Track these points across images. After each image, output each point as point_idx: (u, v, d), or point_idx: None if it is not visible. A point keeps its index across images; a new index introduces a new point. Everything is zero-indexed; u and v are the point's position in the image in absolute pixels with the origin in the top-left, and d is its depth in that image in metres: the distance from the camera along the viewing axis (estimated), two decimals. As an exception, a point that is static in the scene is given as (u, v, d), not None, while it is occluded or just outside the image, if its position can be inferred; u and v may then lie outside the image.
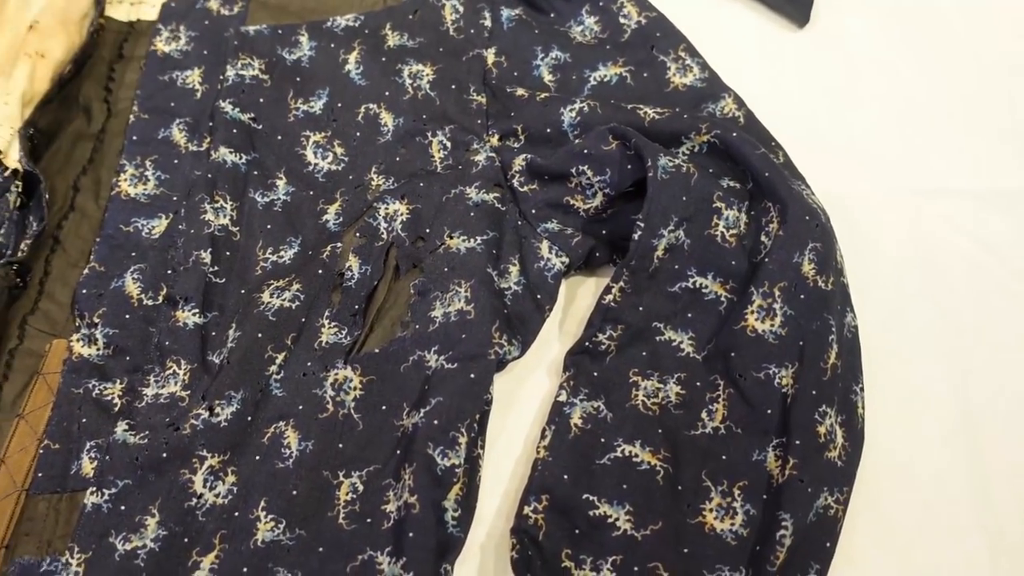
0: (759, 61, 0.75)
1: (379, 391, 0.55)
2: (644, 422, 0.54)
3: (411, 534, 0.49)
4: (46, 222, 0.59)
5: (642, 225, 0.57)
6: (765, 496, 0.52)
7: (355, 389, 0.55)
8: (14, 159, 0.58)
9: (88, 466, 0.52)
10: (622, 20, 0.69)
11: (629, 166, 0.59)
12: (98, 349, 0.56)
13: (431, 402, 0.53)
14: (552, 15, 0.71)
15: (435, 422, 0.52)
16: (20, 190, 0.59)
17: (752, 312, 0.55)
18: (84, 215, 0.62)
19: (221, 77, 0.67)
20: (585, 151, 0.60)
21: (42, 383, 0.56)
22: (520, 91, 0.65)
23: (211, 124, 0.65)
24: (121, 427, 0.54)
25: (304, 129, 0.66)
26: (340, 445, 0.54)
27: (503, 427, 0.57)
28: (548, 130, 0.63)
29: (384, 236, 0.61)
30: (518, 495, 0.54)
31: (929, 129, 0.72)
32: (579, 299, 0.62)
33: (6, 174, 0.58)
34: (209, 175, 0.62)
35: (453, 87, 0.66)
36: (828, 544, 0.51)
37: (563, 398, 0.55)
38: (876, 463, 0.56)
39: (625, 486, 0.52)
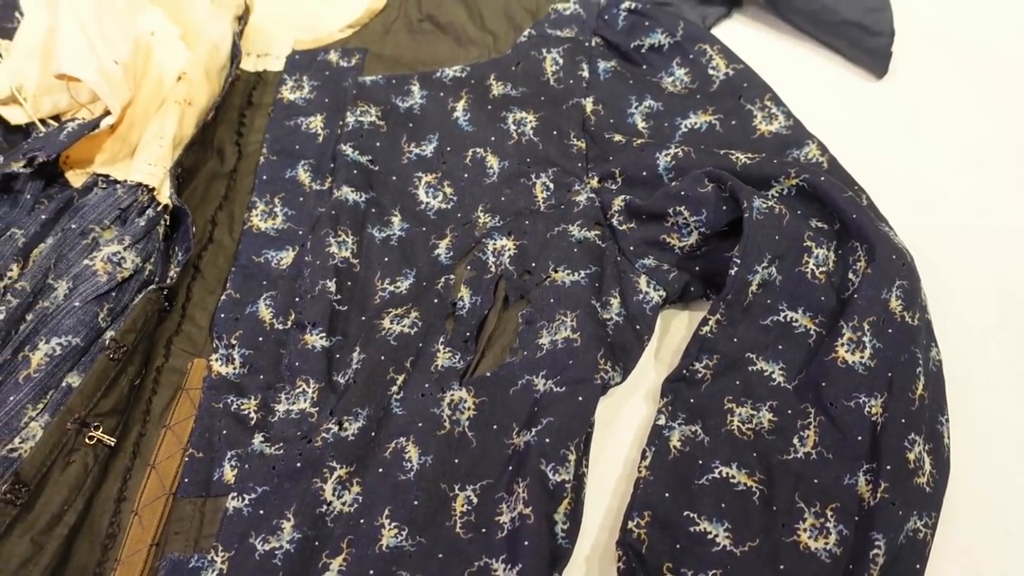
0: (840, 110, 0.79)
1: (490, 411, 0.60)
2: (739, 446, 0.58)
3: (526, 543, 0.53)
4: (192, 252, 0.65)
5: (738, 261, 0.61)
6: (857, 518, 0.55)
7: (469, 409, 0.60)
8: (165, 195, 0.65)
9: (229, 473, 0.58)
10: (711, 71, 0.74)
11: (724, 207, 0.64)
12: (235, 368, 0.62)
13: (542, 422, 0.57)
14: (644, 67, 0.76)
15: (547, 440, 0.56)
16: (167, 223, 0.65)
17: (842, 344, 0.59)
18: (220, 246, 0.68)
19: (341, 123, 0.73)
20: (682, 192, 0.65)
21: (185, 397, 0.62)
22: (617, 137, 0.70)
23: (332, 165, 0.71)
24: (258, 439, 0.59)
25: (416, 171, 0.72)
26: (456, 460, 0.58)
27: (603, 448, 0.61)
28: (644, 173, 0.68)
29: (493, 269, 0.66)
30: (619, 511, 0.58)
31: (1001, 171, 0.76)
32: (673, 330, 0.67)
33: (158, 209, 0.64)
34: (333, 212, 0.68)
35: (555, 133, 0.72)
36: (918, 566, 0.54)
37: (662, 422, 0.59)
38: (958, 492, 0.59)
39: (723, 505, 0.56)
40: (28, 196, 0.65)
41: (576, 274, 0.64)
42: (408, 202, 0.70)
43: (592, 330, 0.61)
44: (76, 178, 0.67)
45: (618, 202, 0.67)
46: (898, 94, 0.81)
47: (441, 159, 0.72)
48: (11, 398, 0.55)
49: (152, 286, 0.63)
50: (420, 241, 0.69)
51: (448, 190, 0.71)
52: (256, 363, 0.62)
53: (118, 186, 0.65)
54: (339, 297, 0.64)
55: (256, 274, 0.66)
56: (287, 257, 0.67)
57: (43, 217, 0.63)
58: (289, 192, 0.70)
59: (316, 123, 0.74)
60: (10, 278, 0.60)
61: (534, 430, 0.57)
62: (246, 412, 0.60)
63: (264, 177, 0.71)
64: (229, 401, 0.60)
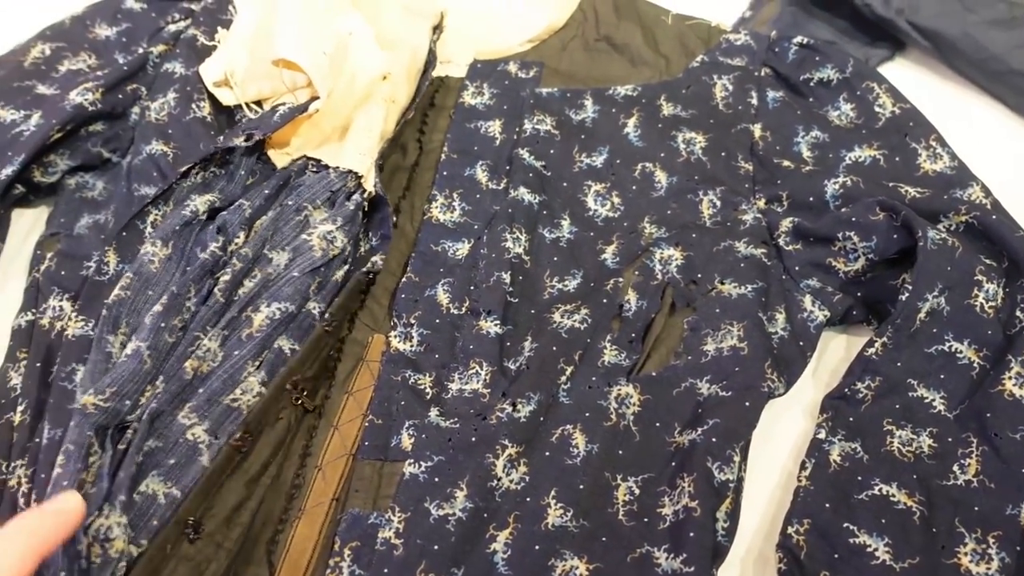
0: (1002, 156, 0.80)
1: (654, 409, 0.63)
2: (899, 467, 0.59)
3: (691, 534, 0.55)
4: (390, 239, 0.69)
5: (910, 288, 0.63)
6: (1019, 547, 0.55)
7: (634, 405, 0.63)
8: (370, 184, 0.70)
9: (407, 441, 0.61)
10: (877, 109, 0.76)
11: (894, 235, 0.65)
12: (412, 346, 0.66)
13: (708, 423, 0.60)
14: (811, 99, 0.78)
15: (713, 440, 0.59)
16: (365, 210, 0.70)
17: (1010, 378, 0.60)
18: (402, 233, 0.73)
19: (518, 129, 0.77)
20: (853, 218, 0.67)
21: (365, 368, 0.66)
22: (786, 162, 0.73)
23: (508, 168, 0.75)
24: (434, 412, 0.62)
25: (587, 179, 0.75)
26: (620, 452, 0.61)
27: (760, 455, 0.63)
28: (811, 199, 0.71)
29: (659, 277, 0.69)
30: (774, 517, 0.60)
31: None
32: (831, 351, 0.68)
33: (364, 195, 0.69)
34: (509, 210, 0.71)
35: (723, 154, 0.75)
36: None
37: (822, 436, 0.61)
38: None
39: (883, 521, 0.57)
40: (243, 171, 0.70)
41: (743, 287, 0.66)
42: (577, 208, 0.74)
43: (759, 340, 0.63)
44: (277, 157, 0.73)
45: (786, 223, 0.70)
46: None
47: (611, 170, 0.76)
48: (235, 352, 0.60)
49: (363, 269, 0.68)
50: (587, 245, 0.72)
51: (616, 199, 0.74)
52: (432, 342, 0.66)
53: (330, 171, 0.70)
54: (511, 289, 0.68)
55: (434, 261, 0.70)
56: (463, 248, 0.71)
57: (266, 192, 0.68)
58: (467, 189, 0.74)
59: (494, 127, 0.78)
60: (236, 244, 0.65)
61: (700, 430, 0.60)
62: (422, 387, 0.64)
63: (444, 173, 0.75)
64: (407, 375, 0.64)
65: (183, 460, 0.56)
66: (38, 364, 0.64)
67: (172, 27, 0.81)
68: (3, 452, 0.60)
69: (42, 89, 0.76)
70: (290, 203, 0.68)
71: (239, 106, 0.77)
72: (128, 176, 0.72)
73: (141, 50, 0.78)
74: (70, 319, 0.65)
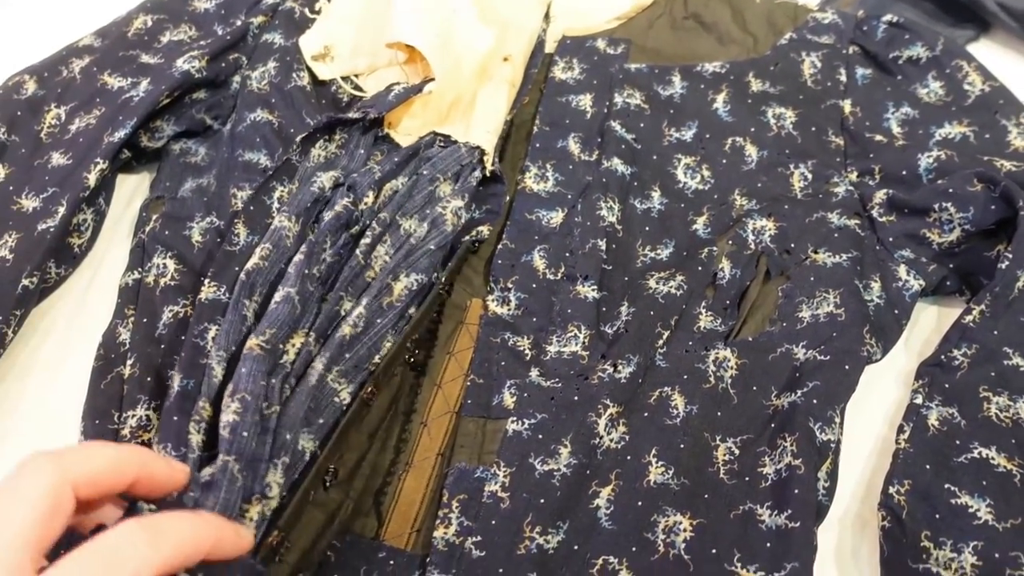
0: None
1: (751, 373, 0.63)
2: (997, 431, 0.60)
3: (796, 491, 0.56)
4: (499, 215, 0.72)
5: (1010, 257, 0.63)
6: None
7: (731, 368, 0.64)
8: (491, 163, 0.73)
9: (509, 400, 0.63)
10: (966, 87, 0.77)
11: (992, 207, 0.66)
12: (510, 309, 0.67)
13: (808, 385, 0.61)
14: (899, 77, 0.79)
15: (814, 401, 0.60)
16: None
17: (1109, 347, 0.60)
18: (495, 203, 0.74)
19: (608, 103, 0.78)
20: (950, 190, 0.67)
21: (465, 331, 0.67)
22: (878, 136, 0.74)
23: (600, 140, 0.76)
24: (534, 372, 0.64)
25: (676, 153, 0.76)
26: (718, 413, 0.62)
27: (855, 421, 0.63)
28: (904, 172, 0.71)
29: (752, 246, 0.69)
30: (871, 482, 0.61)
31: None
32: (923, 321, 0.69)
33: (485, 172, 0.72)
34: (603, 180, 0.73)
35: (813, 129, 0.75)
36: None
37: (919, 401, 0.62)
38: None
39: (984, 483, 0.57)
40: (362, 151, 0.73)
41: (837, 256, 0.67)
42: (667, 180, 0.75)
43: (856, 307, 0.64)
44: (396, 137, 0.75)
45: (879, 195, 0.70)
46: None
47: (700, 144, 0.77)
48: (378, 320, 0.62)
49: (467, 237, 0.70)
50: (678, 216, 0.73)
51: (706, 172, 0.75)
52: (530, 306, 0.67)
53: (461, 146, 0.72)
54: (605, 257, 0.69)
55: (528, 229, 0.72)
56: (557, 217, 0.72)
57: (396, 160, 0.70)
58: (559, 160, 0.76)
59: (585, 101, 0.79)
60: (366, 203, 0.67)
61: (799, 392, 0.61)
62: (521, 348, 0.65)
63: (537, 145, 0.76)
64: (505, 337, 0.66)
65: (330, 420, 0.58)
66: (144, 320, 0.66)
67: (270, -1, 0.83)
68: (115, 404, 0.63)
69: (146, 59, 0.78)
70: (425, 173, 0.70)
71: (334, 80, 0.78)
72: (231, 142, 0.75)
73: (239, 21, 0.81)
74: (173, 277, 0.67)
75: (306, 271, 0.61)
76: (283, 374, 0.57)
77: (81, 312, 0.70)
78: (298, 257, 0.62)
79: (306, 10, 0.82)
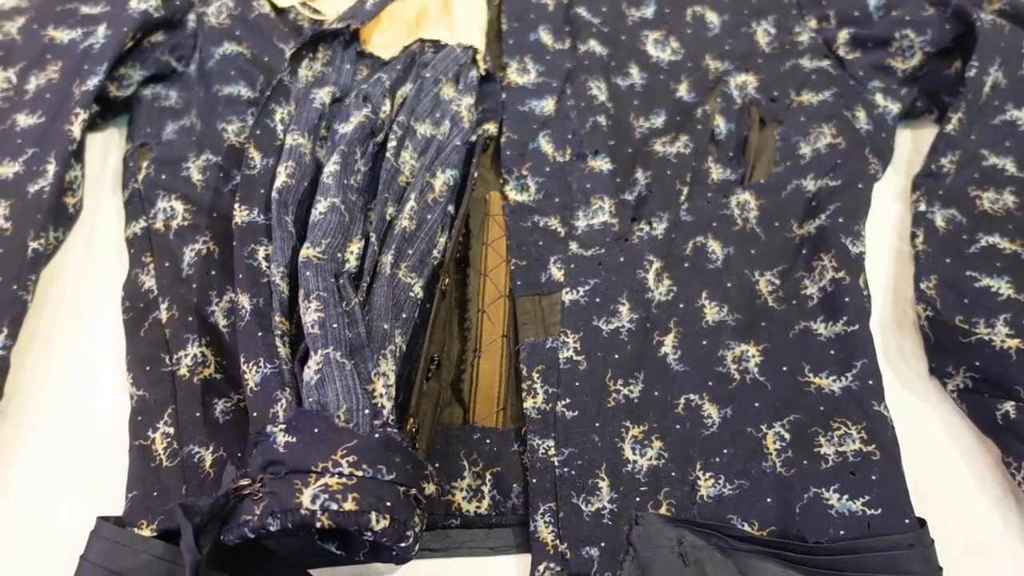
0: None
1: (769, 211, 0.67)
2: (994, 220, 0.66)
3: (847, 299, 0.61)
4: (498, 112, 0.73)
5: (976, 64, 0.69)
6: None
7: (753, 210, 0.67)
8: (482, 60, 0.74)
9: (557, 273, 0.64)
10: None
11: (946, 26, 0.72)
12: (530, 195, 0.68)
13: (829, 208, 0.65)
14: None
15: (840, 220, 0.64)
16: None
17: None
18: (486, 99, 0.75)
19: (566, -10, 0.80)
20: (906, 18, 0.73)
21: (492, 221, 0.68)
22: (827, -17, 0.79)
23: (569, 28, 0.78)
24: (574, 245, 0.65)
25: (642, 30, 0.79)
26: (752, 251, 0.66)
27: (868, 238, 0.68)
28: (856, 13, 0.77)
29: (739, 100, 0.73)
30: (895, 287, 0.67)
31: None
32: (899, 144, 0.74)
33: (481, 72, 0.74)
34: (585, 62, 0.75)
35: (766, -13, 0.80)
36: None
37: (922, 208, 0.67)
38: None
39: (998, 264, 0.64)
40: (347, 66, 0.71)
41: (821, 95, 0.72)
42: (640, 56, 0.78)
43: (851, 134, 0.69)
44: (377, 51, 0.75)
45: (843, 35, 0.76)
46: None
47: (662, 19, 0.80)
48: (428, 216, 0.62)
49: (478, 134, 0.71)
50: (660, 87, 0.76)
51: (674, 44, 0.78)
52: (549, 188, 0.69)
53: (455, 47, 0.72)
54: (607, 132, 0.71)
55: (526, 119, 0.73)
56: (548, 105, 0.74)
57: (399, 67, 0.70)
58: (536, 52, 0.77)
59: (546, -6, 0.81)
60: (385, 112, 0.66)
61: (823, 216, 0.65)
62: (553, 228, 0.67)
63: (511, 41, 0.77)
64: (535, 220, 0.67)
65: (412, 314, 0.58)
66: (166, 264, 0.63)
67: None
68: (161, 347, 0.60)
69: (86, 9, 0.74)
70: (427, 75, 0.70)
71: (291, 7, 0.77)
72: (204, 80, 0.72)
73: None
74: (184, 217, 0.65)
75: (344, 181, 0.60)
76: (349, 276, 0.57)
77: (89, 272, 0.67)
78: (333, 168, 0.61)
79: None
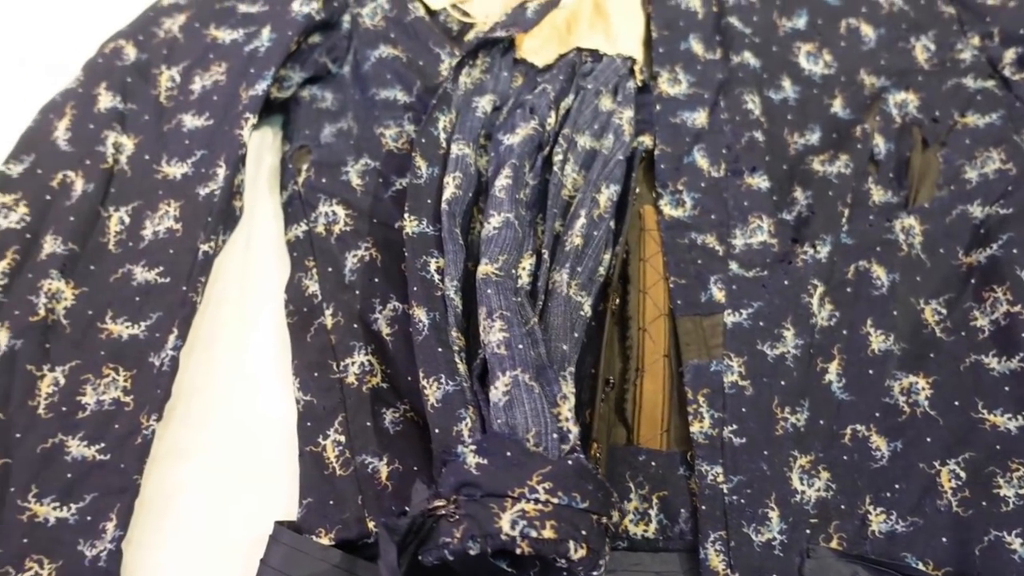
0: None
1: (933, 237, 0.66)
2: None
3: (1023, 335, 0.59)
4: (653, 124, 0.72)
5: None
6: None
7: (918, 235, 0.66)
8: (639, 72, 0.74)
9: (718, 294, 0.63)
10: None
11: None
12: (686, 211, 0.68)
13: (1001, 238, 0.63)
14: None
15: (1014, 251, 0.62)
16: None
17: None
18: (640, 111, 0.75)
19: (717, 0, 0.79)
20: (1081, 39, 0.71)
21: (648, 237, 0.67)
22: (990, 0, 0.76)
23: (720, 38, 0.77)
24: (734, 265, 0.65)
25: (794, 41, 0.78)
26: (917, 278, 0.64)
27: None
28: (1022, 31, 0.74)
29: (898, 120, 0.72)
30: None
31: None
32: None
33: (638, 82, 0.73)
34: (739, 74, 0.74)
35: (922, 2, 0.78)
36: None
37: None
38: None
39: None
40: (505, 73, 0.71)
41: (987, 117, 0.70)
42: (793, 69, 0.76)
43: (1022, 160, 0.67)
44: (532, 58, 0.74)
45: (1009, 54, 0.73)
46: None
47: (815, 30, 0.78)
48: (594, 233, 0.62)
49: (635, 146, 0.70)
50: (814, 101, 0.74)
51: (827, 57, 0.77)
52: (705, 204, 0.68)
53: (615, 57, 0.72)
54: (763, 148, 0.70)
55: (679, 131, 0.72)
56: (701, 117, 0.73)
57: (561, 78, 0.70)
58: (687, 62, 0.76)
59: (694, 1, 0.79)
60: (550, 124, 0.66)
61: (994, 246, 0.63)
62: (711, 246, 0.66)
63: (661, 50, 0.76)
64: (692, 237, 0.66)
65: (581, 333, 0.58)
66: (329, 269, 0.64)
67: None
68: (328, 354, 0.61)
69: (244, 8, 0.74)
70: (589, 87, 0.70)
71: (443, 9, 0.76)
72: (360, 83, 0.72)
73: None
74: (346, 223, 0.65)
75: (516, 196, 0.60)
76: (525, 293, 0.57)
77: (247, 274, 0.68)
78: (505, 182, 0.61)
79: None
